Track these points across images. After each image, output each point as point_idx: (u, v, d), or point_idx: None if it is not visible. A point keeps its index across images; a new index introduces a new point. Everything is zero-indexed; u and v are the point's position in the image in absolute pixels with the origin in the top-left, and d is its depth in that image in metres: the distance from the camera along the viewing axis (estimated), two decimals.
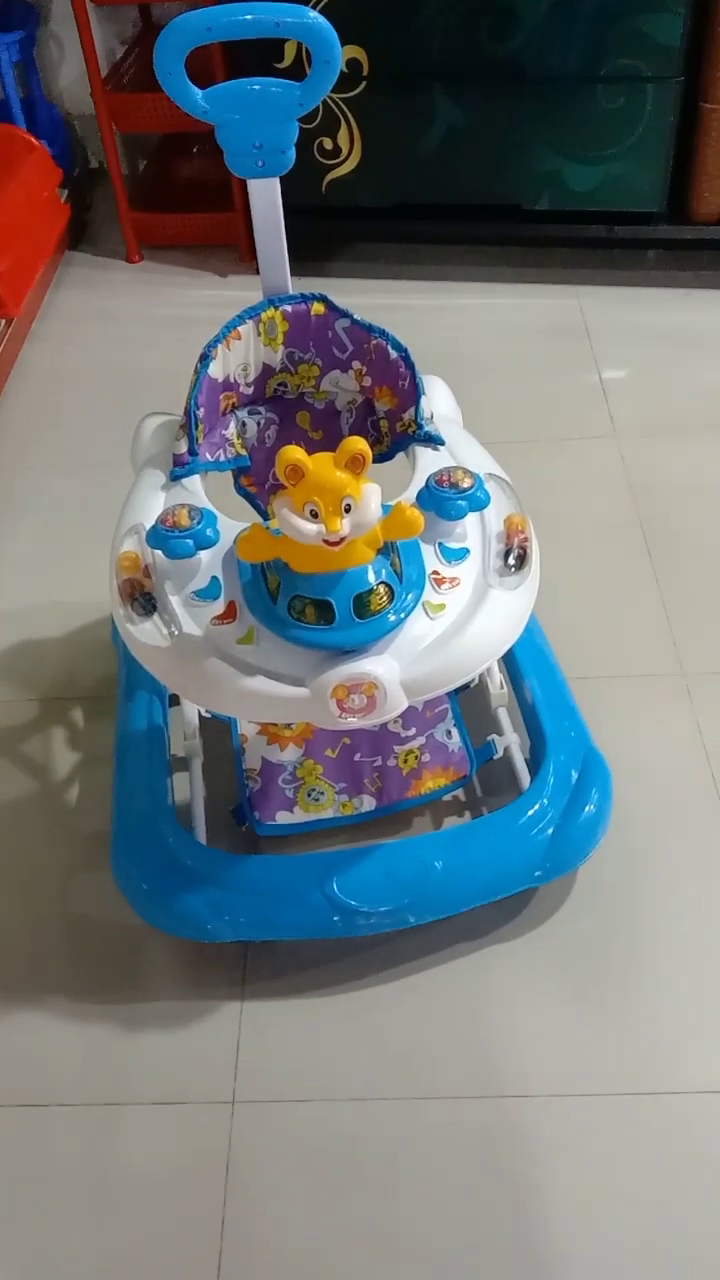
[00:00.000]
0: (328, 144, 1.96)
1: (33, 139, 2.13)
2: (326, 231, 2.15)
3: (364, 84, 1.88)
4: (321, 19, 0.91)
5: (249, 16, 0.90)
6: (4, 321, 1.92)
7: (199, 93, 0.93)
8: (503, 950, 1.10)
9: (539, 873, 1.09)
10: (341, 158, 1.97)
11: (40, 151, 2.13)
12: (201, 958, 1.10)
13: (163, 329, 2.05)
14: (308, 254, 1.83)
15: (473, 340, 1.98)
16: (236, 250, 2.20)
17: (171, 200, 2.29)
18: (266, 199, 1.04)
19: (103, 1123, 1.01)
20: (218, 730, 1.25)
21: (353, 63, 1.85)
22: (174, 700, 1.25)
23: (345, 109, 1.91)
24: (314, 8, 1.75)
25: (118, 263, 2.28)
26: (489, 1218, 0.93)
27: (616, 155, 1.91)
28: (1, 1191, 0.97)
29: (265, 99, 0.95)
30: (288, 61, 1.81)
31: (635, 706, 1.32)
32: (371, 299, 2.01)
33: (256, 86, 0.95)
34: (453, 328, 2.01)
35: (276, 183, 1.02)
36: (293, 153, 0.99)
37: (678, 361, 1.92)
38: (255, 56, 1.66)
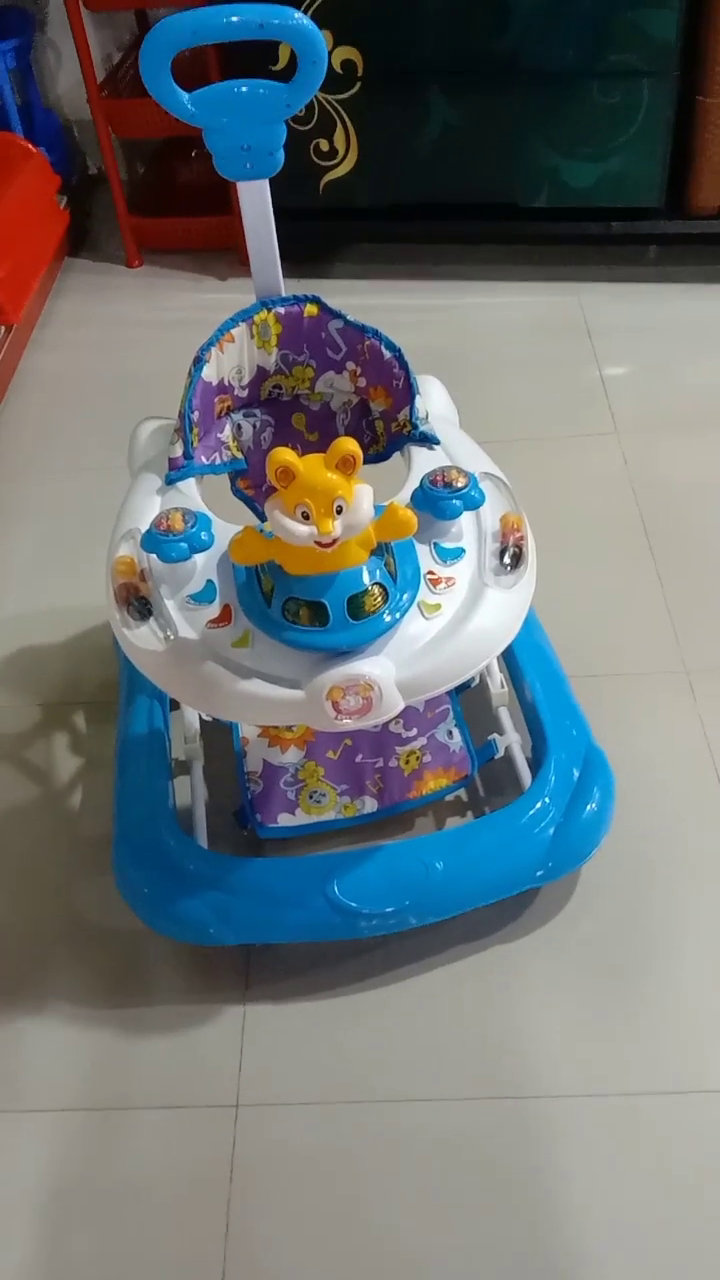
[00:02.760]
0: (324, 145, 1.96)
1: (30, 146, 2.13)
2: (324, 233, 2.15)
3: (359, 85, 1.88)
4: (306, 19, 0.91)
5: (234, 19, 0.90)
6: (4, 328, 1.93)
7: (185, 96, 0.93)
8: (505, 951, 1.10)
9: (541, 872, 1.08)
10: (338, 159, 1.97)
11: (38, 158, 2.14)
12: (204, 961, 1.10)
13: (163, 333, 2.05)
14: (306, 255, 1.83)
15: (472, 339, 1.97)
16: (236, 253, 2.20)
17: (171, 205, 2.29)
18: (256, 201, 1.03)
19: (106, 1127, 1.01)
20: (219, 733, 1.25)
21: (347, 64, 1.85)
22: (175, 704, 1.25)
23: (341, 110, 1.91)
24: (305, 10, 1.77)
25: (118, 268, 2.28)
26: (497, 1220, 0.93)
27: (614, 151, 1.90)
28: (6, 1196, 0.97)
29: (253, 101, 0.95)
30: (282, 64, 1.80)
31: (637, 704, 1.31)
32: (370, 299, 2.02)
33: (244, 88, 0.95)
34: (452, 327, 2.01)
35: (266, 185, 1.02)
36: (281, 154, 0.99)
37: (679, 357, 1.91)
38: (249, 59, 1.67)
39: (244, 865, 1.08)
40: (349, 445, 0.81)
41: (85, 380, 1.99)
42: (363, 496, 0.82)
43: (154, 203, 2.30)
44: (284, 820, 1.18)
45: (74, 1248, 0.94)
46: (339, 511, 0.82)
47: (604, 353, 1.92)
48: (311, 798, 1.19)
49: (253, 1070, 1.03)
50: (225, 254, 2.22)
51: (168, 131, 2.11)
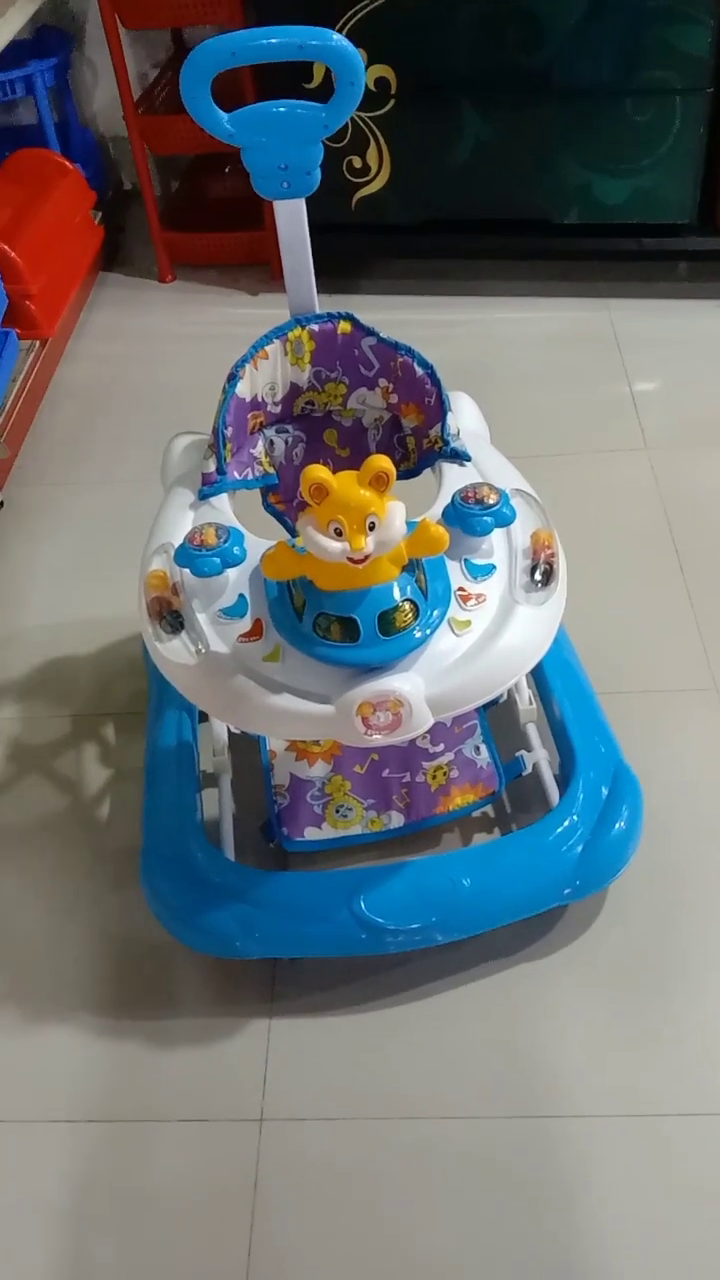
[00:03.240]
0: (357, 162, 1.97)
1: (67, 162, 2.16)
2: (357, 249, 2.16)
3: (392, 102, 1.89)
4: (345, 41, 0.92)
5: (273, 41, 0.91)
6: (39, 342, 1.95)
7: (224, 116, 0.94)
8: (532, 969, 1.09)
9: (569, 890, 1.08)
10: (371, 175, 1.99)
11: (74, 174, 2.17)
12: (230, 974, 1.10)
13: (195, 347, 2.07)
14: (338, 271, 1.84)
15: (503, 354, 1.98)
16: (268, 269, 2.22)
17: (203, 220, 2.31)
18: (292, 220, 1.04)
19: (131, 1139, 1.01)
20: (247, 746, 1.25)
21: (381, 81, 1.87)
22: (203, 717, 1.26)
23: (374, 127, 1.92)
24: (340, 29, 1.78)
25: (150, 283, 2.30)
26: (520, 1238, 0.93)
27: (645, 168, 1.90)
28: (31, 1208, 0.98)
29: (290, 121, 0.96)
30: (316, 82, 1.82)
31: (667, 721, 1.31)
32: (402, 314, 2.03)
33: (281, 109, 0.96)
34: (483, 342, 2.01)
35: (302, 204, 1.03)
36: (318, 174, 1.00)
37: (709, 372, 1.90)
38: (284, 78, 1.68)
39: (270, 879, 1.08)
40: (382, 463, 0.81)
41: (118, 393, 2.01)
42: (395, 513, 0.82)
43: (186, 218, 2.32)
44: (310, 834, 1.18)
45: (97, 1260, 0.94)
46: (371, 528, 0.82)
47: (634, 368, 1.92)
48: (338, 812, 1.19)
49: (277, 1084, 1.03)
50: (256, 269, 2.23)
51: (201, 148, 2.13)
